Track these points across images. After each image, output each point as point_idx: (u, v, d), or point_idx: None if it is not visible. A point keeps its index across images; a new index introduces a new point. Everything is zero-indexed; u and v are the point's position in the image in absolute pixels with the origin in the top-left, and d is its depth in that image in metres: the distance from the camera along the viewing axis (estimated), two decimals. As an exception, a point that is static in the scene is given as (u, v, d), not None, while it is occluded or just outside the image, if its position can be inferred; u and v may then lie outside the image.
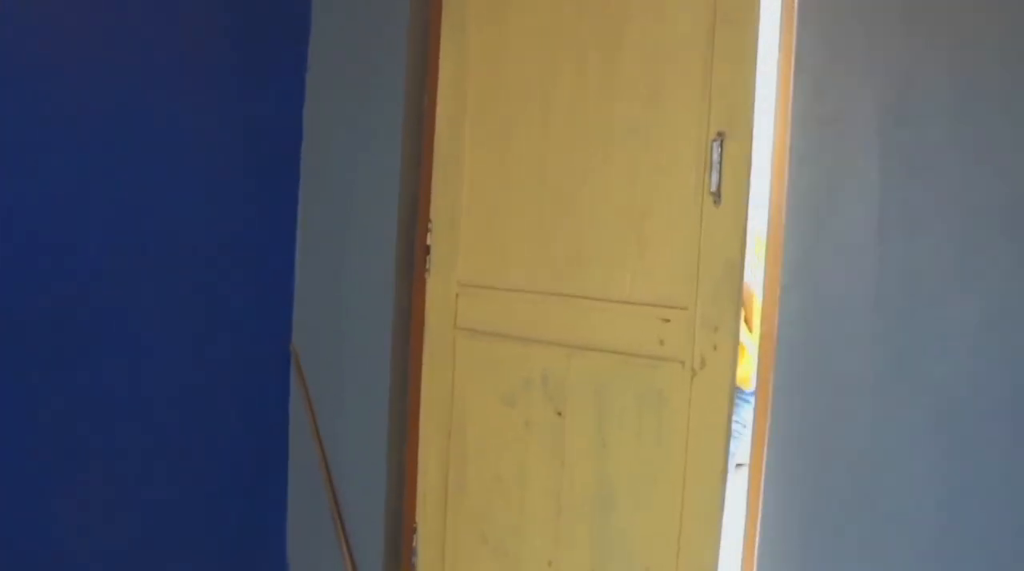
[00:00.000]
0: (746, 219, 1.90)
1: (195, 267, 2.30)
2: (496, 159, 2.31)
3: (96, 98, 2.09)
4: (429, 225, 2.45)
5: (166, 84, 2.24)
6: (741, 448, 5.17)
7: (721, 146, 1.89)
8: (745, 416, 2.64)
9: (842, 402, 1.84)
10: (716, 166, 1.89)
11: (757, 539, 1.97)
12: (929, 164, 1.75)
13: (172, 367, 2.28)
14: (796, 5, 1.87)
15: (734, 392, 1.89)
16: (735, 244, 1.90)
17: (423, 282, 2.46)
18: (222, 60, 2.34)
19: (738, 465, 5.27)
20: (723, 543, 1.95)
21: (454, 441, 2.39)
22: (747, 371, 2.67)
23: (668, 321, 1.98)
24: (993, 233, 1.69)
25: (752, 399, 2.44)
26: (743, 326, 2.59)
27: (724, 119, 1.89)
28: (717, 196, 1.91)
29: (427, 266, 2.45)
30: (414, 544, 2.47)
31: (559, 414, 2.17)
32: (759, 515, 1.99)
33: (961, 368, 1.72)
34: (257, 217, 2.43)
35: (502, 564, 2.29)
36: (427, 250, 2.45)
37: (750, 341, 2.76)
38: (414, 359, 2.47)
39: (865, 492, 1.79)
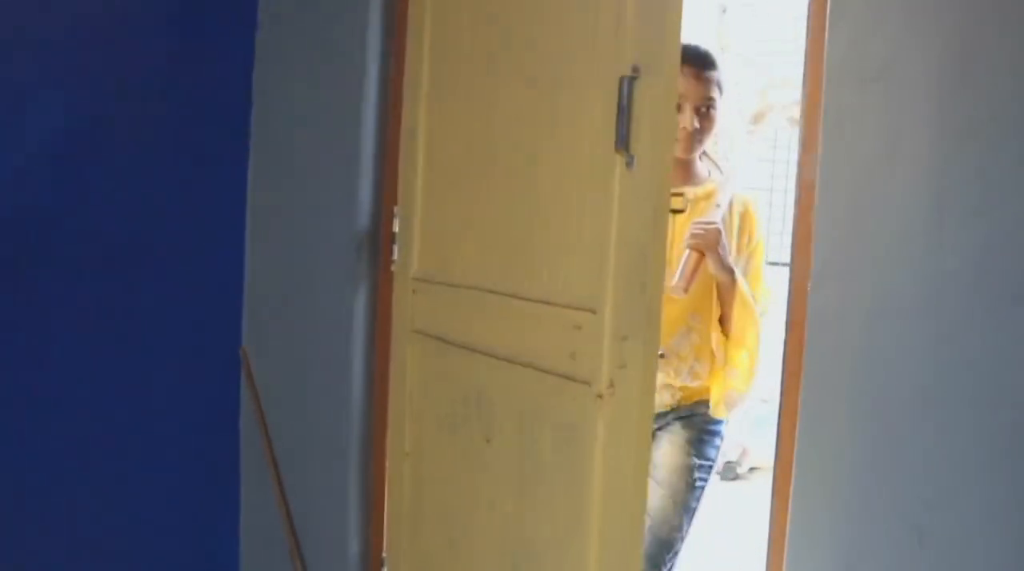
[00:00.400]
0: (664, 188, 1.37)
1: (133, 263, 2.01)
2: (450, 136, 1.94)
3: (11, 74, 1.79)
4: (395, 210, 2.11)
5: (100, 66, 1.93)
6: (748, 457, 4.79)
7: (631, 87, 1.36)
8: (714, 454, 2.18)
9: (886, 421, 1.53)
10: (625, 114, 1.36)
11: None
12: (995, 134, 1.42)
13: (112, 369, 2.02)
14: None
15: (650, 424, 1.44)
16: (647, 223, 1.36)
17: (389, 275, 2.13)
18: (163, 45, 2.03)
19: (751, 469, 4.97)
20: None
21: (412, 463, 2.04)
22: (717, 394, 2.11)
23: (580, 328, 1.47)
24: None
25: (722, 430, 2.19)
26: (717, 334, 2.10)
27: (640, 50, 1.37)
28: (629, 156, 1.38)
29: (393, 257, 2.11)
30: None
31: (488, 441, 1.74)
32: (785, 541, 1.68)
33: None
34: (202, 206, 2.11)
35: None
36: (393, 238, 2.11)
37: (720, 351, 2.10)
38: (380, 363, 2.15)
39: (918, 533, 1.48)
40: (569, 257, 1.54)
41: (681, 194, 2.11)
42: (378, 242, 2.15)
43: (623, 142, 1.38)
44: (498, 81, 1.76)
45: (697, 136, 2.11)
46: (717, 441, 2.19)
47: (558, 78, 1.59)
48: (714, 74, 2.10)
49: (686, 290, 2.05)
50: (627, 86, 1.37)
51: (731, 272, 2.06)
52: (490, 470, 1.74)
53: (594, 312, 1.44)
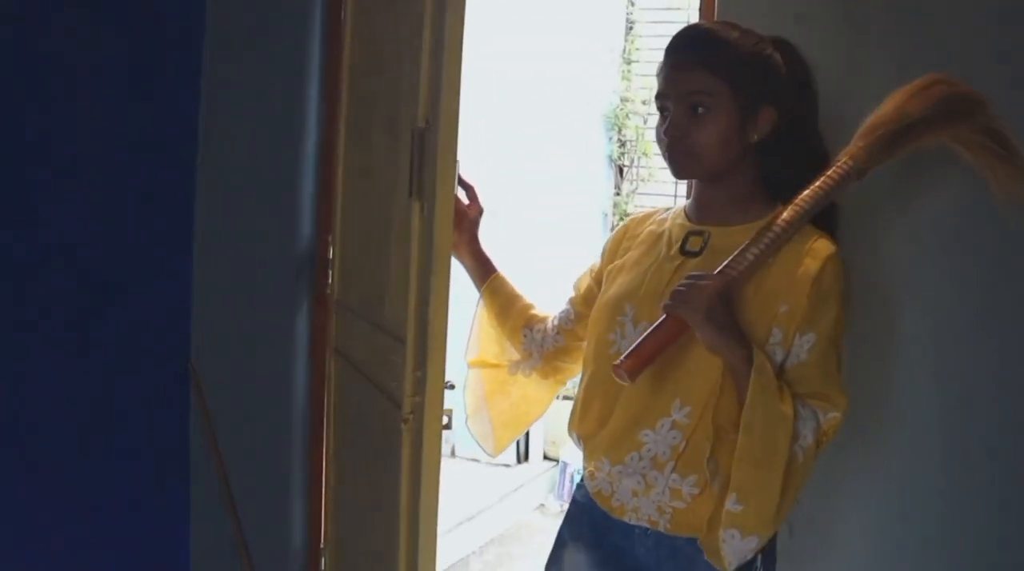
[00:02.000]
0: (445, 228, 1.52)
1: (83, 280, 2.25)
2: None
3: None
4: (330, 238, 2.33)
5: (48, 79, 2.14)
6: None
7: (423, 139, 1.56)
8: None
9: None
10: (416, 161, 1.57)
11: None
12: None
13: (60, 385, 2.20)
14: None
15: (437, 447, 1.56)
16: (427, 261, 1.53)
17: (324, 298, 2.35)
18: (112, 65, 2.26)
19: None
20: None
21: (335, 469, 2.26)
22: (712, 533, 1.46)
23: (396, 356, 1.65)
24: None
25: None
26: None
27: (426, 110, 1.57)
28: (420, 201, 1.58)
29: (328, 281, 2.33)
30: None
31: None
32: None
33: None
34: (150, 234, 2.34)
35: None
36: (328, 264, 2.33)
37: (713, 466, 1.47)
38: (316, 378, 2.37)
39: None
40: (394, 293, 1.72)
41: (701, 233, 1.54)
42: (315, 268, 2.37)
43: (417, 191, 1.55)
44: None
45: (686, 148, 1.48)
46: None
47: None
48: (710, 59, 1.46)
49: (631, 374, 1.42)
50: (418, 137, 1.54)
51: (741, 354, 1.40)
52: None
53: (403, 342, 1.61)
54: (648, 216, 1.68)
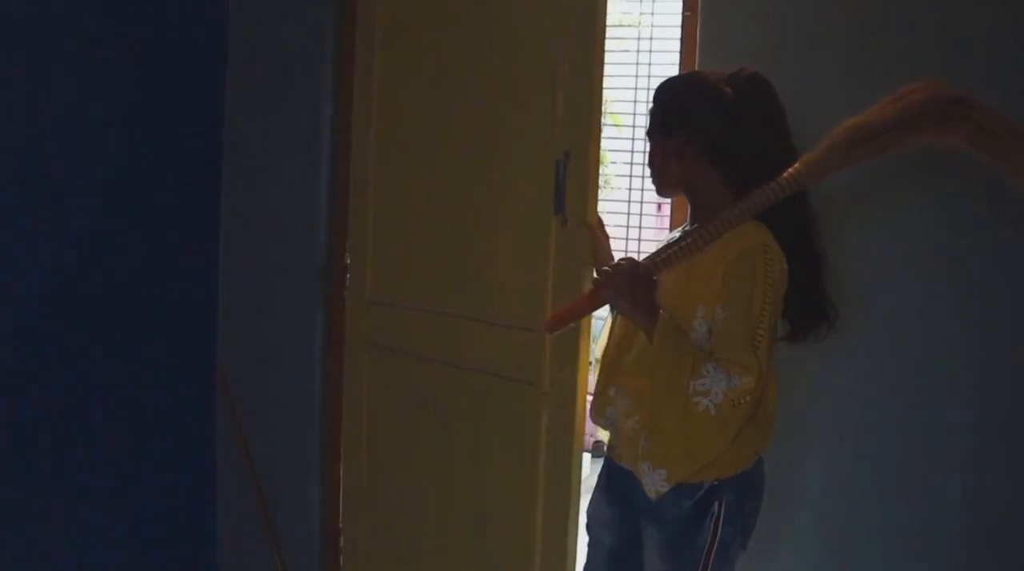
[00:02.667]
0: (584, 239, 1.90)
1: (123, 294, 2.35)
2: (398, 182, 2.45)
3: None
4: (347, 245, 2.59)
5: (85, 99, 2.25)
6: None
7: (566, 166, 1.89)
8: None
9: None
10: (562, 186, 1.89)
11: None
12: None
13: (96, 382, 2.32)
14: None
15: (577, 413, 1.89)
16: (577, 265, 1.91)
17: (341, 299, 2.61)
18: (142, 82, 2.38)
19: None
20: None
21: (369, 453, 2.54)
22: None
23: (524, 344, 2.00)
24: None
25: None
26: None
27: (570, 138, 1.91)
28: (563, 218, 1.90)
29: (346, 284, 2.60)
30: (340, 546, 2.64)
31: (444, 430, 2.28)
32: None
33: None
34: (180, 239, 2.50)
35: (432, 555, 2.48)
36: (346, 269, 2.60)
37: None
38: (334, 370, 2.62)
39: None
40: (513, 290, 2.09)
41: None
42: (333, 271, 2.61)
43: (560, 208, 1.94)
44: (452, 155, 2.28)
45: (652, 174, 1.86)
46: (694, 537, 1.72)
47: (502, 157, 2.14)
48: (656, 100, 1.83)
49: (550, 328, 1.80)
50: (562, 166, 1.93)
51: (650, 323, 1.66)
52: (447, 453, 2.27)
53: (532, 331, 1.99)
54: None
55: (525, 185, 2.05)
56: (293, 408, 2.61)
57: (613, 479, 1.87)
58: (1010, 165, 1.60)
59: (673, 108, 1.78)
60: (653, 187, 1.88)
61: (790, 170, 1.64)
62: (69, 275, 2.24)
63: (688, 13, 2.28)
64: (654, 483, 1.69)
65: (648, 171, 1.87)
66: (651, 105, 1.84)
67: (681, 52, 2.31)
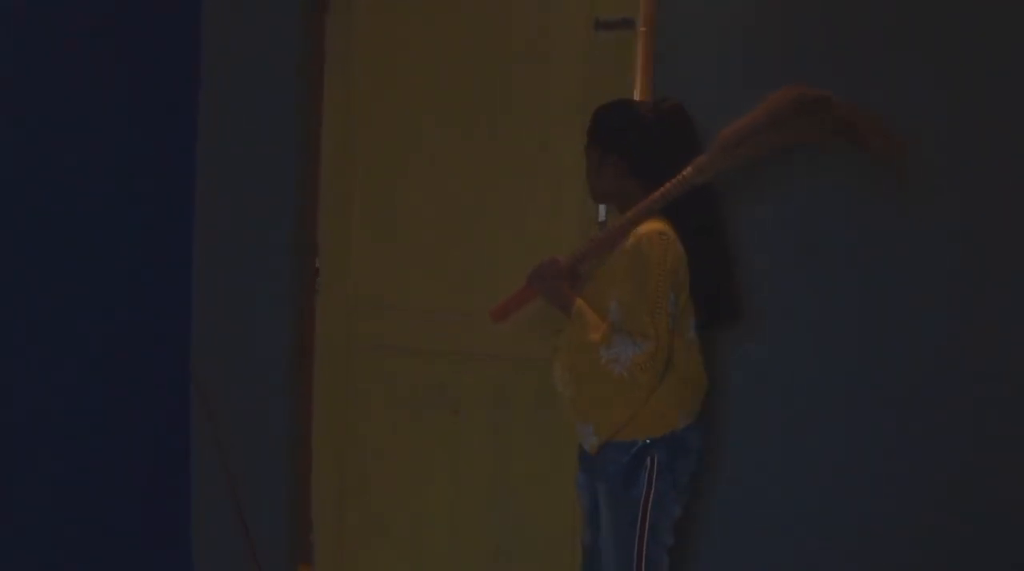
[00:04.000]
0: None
1: (96, 291, 2.41)
2: (387, 190, 2.60)
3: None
4: (317, 249, 2.70)
5: (60, 102, 2.30)
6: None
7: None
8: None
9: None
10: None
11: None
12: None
13: (72, 383, 2.38)
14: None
15: None
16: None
17: (312, 300, 2.71)
18: (116, 95, 2.45)
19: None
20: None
21: (349, 445, 2.65)
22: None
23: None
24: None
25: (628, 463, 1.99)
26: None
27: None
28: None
29: (316, 286, 2.70)
30: (311, 539, 2.73)
31: (455, 413, 2.52)
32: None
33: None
34: (154, 242, 2.57)
35: (403, 551, 2.60)
36: (316, 272, 2.70)
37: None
38: (305, 367, 2.71)
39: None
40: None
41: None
42: (302, 275, 2.70)
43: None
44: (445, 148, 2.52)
45: (589, 186, 2.13)
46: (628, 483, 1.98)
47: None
48: (590, 126, 2.09)
49: (496, 317, 2.11)
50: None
51: (569, 308, 2.00)
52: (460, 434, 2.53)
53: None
54: None
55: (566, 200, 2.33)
56: (266, 409, 2.69)
57: (581, 448, 2.10)
58: (871, 150, 1.95)
59: (602, 128, 2.08)
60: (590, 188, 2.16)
61: (684, 172, 1.94)
62: (42, 279, 2.29)
63: (643, 29, 2.42)
64: (587, 438, 2.00)
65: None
66: (588, 125, 2.11)
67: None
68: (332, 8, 2.64)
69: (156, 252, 2.58)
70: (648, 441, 1.96)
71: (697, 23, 2.23)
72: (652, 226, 1.94)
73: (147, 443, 2.59)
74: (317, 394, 2.72)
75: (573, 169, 2.24)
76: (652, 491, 1.96)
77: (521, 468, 2.48)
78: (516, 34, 2.45)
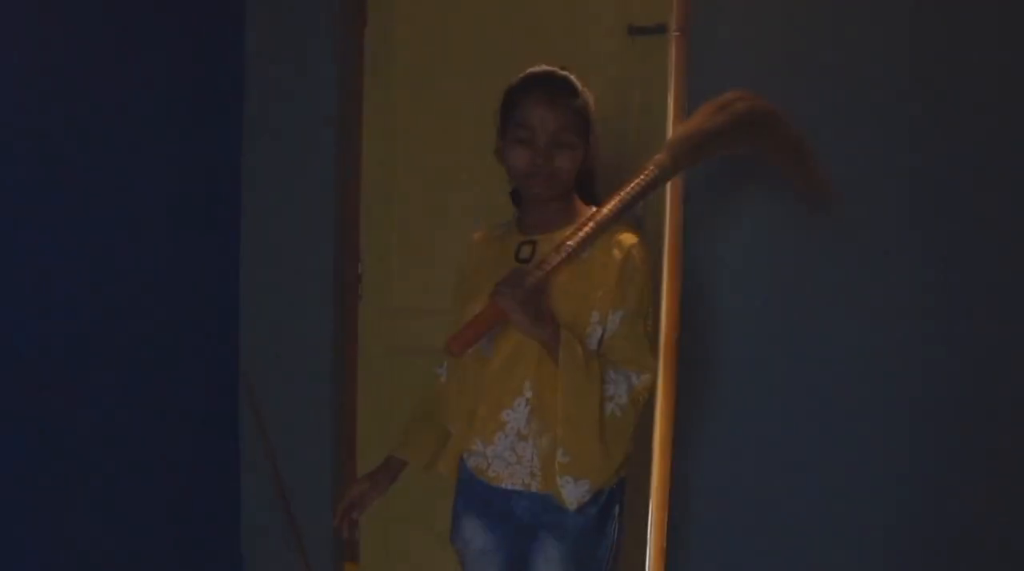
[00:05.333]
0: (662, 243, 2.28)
1: (149, 302, 2.49)
2: (427, 197, 2.68)
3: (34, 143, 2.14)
4: (360, 256, 2.78)
5: (109, 109, 2.36)
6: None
7: None
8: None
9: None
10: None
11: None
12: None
13: (122, 389, 2.44)
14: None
15: None
16: None
17: (355, 307, 2.78)
18: (163, 94, 2.52)
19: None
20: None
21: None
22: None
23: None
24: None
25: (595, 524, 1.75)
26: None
27: None
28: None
29: (359, 293, 2.77)
30: (356, 537, 2.80)
31: None
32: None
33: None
34: (203, 247, 2.67)
35: (448, 549, 2.64)
36: (359, 278, 2.77)
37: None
38: (349, 375, 2.78)
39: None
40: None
41: (534, 242, 1.76)
42: (344, 282, 2.77)
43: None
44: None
45: (551, 172, 1.71)
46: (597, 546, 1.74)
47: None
48: (573, 101, 1.73)
49: (455, 350, 1.62)
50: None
51: (552, 335, 1.61)
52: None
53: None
54: (487, 237, 1.90)
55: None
56: (312, 410, 2.76)
57: (493, 503, 1.79)
58: (799, 179, 1.84)
59: (586, 122, 1.78)
60: (537, 184, 1.77)
61: (647, 172, 1.66)
62: (94, 285, 2.36)
63: (677, 34, 2.45)
64: (576, 495, 1.66)
65: (537, 169, 1.76)
66: (577, 97, 1.80)
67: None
68: (370, 21, 2.71)
69: (206, 257, 2.68)
70: (617, 484, 1.74)
71: (730, 28, 2.26)
72: (632, 236, 1.72)
73: (199, 442, 2.68)
74: (361, 394, 2.79)
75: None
76: (614, 544, 1.76)
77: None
78: (551, 41, 2.48)
